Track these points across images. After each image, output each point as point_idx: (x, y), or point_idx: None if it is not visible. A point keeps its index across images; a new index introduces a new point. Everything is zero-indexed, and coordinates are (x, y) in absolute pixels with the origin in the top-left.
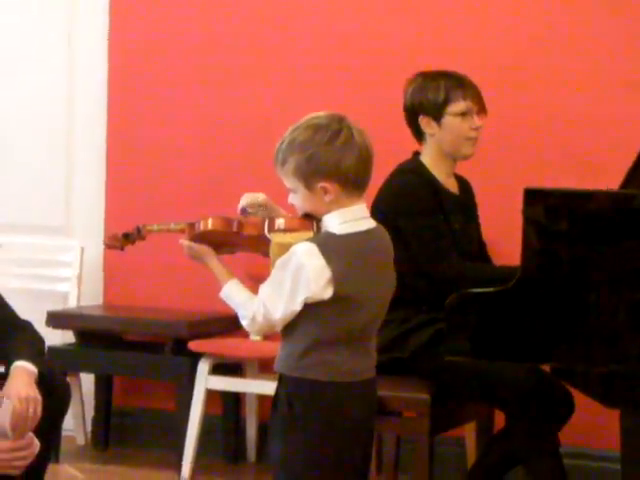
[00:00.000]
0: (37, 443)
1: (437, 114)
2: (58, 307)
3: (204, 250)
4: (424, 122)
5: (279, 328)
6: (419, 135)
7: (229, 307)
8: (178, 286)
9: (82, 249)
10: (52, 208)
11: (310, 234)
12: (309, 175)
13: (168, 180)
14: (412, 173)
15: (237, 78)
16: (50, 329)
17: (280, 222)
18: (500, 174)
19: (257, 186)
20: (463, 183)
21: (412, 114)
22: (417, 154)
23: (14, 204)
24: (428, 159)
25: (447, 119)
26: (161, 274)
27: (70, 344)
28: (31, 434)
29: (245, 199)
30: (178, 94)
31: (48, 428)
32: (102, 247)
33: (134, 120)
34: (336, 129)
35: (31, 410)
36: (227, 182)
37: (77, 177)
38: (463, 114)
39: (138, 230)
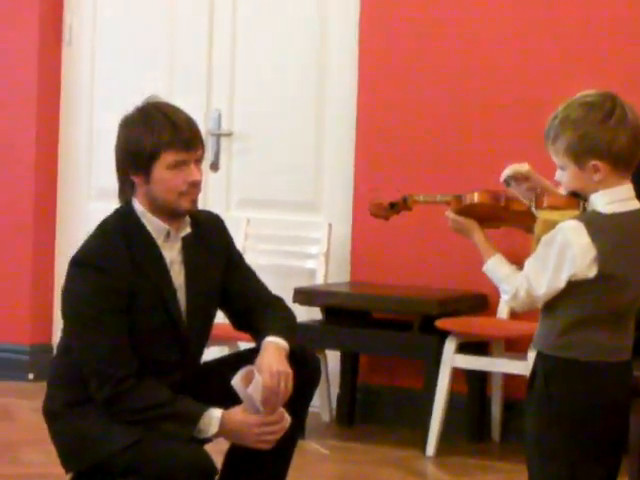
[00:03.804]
0: (288, 418)
1: None
2: (305, 284)
3: (470, 224)
4: None
5: (540, 304)
6: None
7: (478, 285)
8: (426, 263)
9: (330, 226)
10: (301, 185)
11: (576, 212)
12: (581, 153)
13: (419, 156)
14: None
15: (496, 52)
16: (297, 306)
17: (547, 199)
18: None
19: (516, 160)
20: None
21: None
22: None
23: (264, 181)
24: None
25: None
26: (409, 251)
27: (316, 321)
28: (282, 409)
29: (509, 170)
30: (431, 67)
31: (299, 403)
32: (350, 224)
33: (385, 96)
34: (609, 108)
35: (282, 384)
36: (475, 158)
37: (327, 154)
38: None
39: (404, 200)
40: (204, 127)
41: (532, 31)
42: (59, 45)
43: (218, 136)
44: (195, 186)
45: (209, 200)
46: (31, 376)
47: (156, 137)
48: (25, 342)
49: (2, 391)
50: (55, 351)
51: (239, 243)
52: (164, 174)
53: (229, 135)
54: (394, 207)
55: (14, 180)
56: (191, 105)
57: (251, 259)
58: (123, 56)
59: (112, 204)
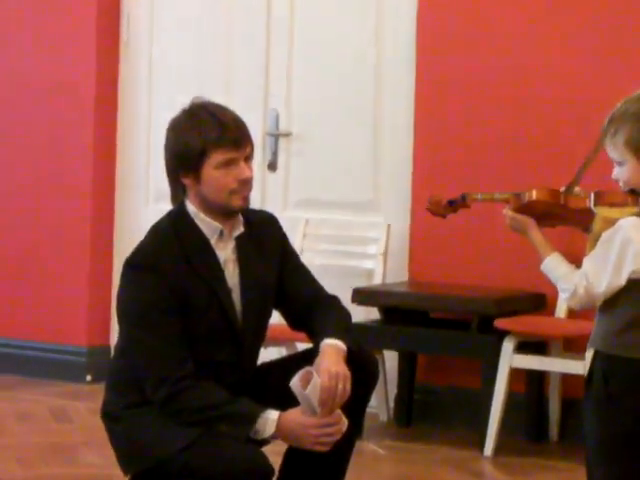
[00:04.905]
0: (345, 421)
1: None
2: (363, 284)
3: (527, 221)
4: None
5: (599, 302)
6: None
7: (536, 284)
8: (484, 263)
9: (388, 226)
10: (359, 185)
11: (635, 209)
12: None
13: (477, 154)
14: None
15: (555, 53)
16: (355, 306)
17: (606, 196)
18: None
19: (568, 163)
20: None
21: None
22: None
23: (322, 181)
24: None
25: None
26: (467, 251)
27: (375, 321)
28: (339, 411)
29: None
30: (490, 63)
31: (357, 404)
32: (408, 224)
33: (442, 94)
34: None
35: (340, 386)
36: (534, 155)
37: (384, 154)
38: None
39: (463, 198)
40: (262, 127)
41: (592, 34)
42: (117, 45)
43: (276, 136)
44: (246, 183)
45: (267, 200)
46: (89, 378)
47: (203, 137)
48: (83, 344)
49: (60, 393)
50: (112, 353)
51: (297, 243)
52: (214, 173)
53: (287, 135)
54: (452, 205)
55: (72, 182)
56: (249, 106)
57: (309, 259)
58: (181, 57)
59: (170, 206)
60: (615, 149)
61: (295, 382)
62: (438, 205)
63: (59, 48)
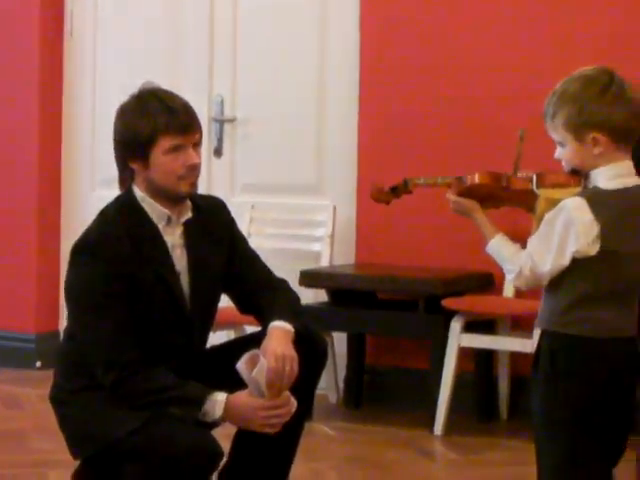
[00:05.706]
0: (294, 402)
1: None
2: (311, 266)
3: (471, 204)
4: None
5: (545, 282)
6: None
7: (483, 264)
8: (431, 243)
9: (334, 208)
10: (305, 168)
11: (577, 190)
12: (580, 126)
13: (421, 138)
14: None
15: (497, 37)
16: (303, 288)
17: (548, 178)
18: None
19: (510, 147)
20: None
21: None
22: None
23: (267, 165)
24: None
25: None
26: (413, 231)
27: (323, 303)
28: (287, 393)
29: None
30: (433, 49)
31: (306, 385)
32: (355, 206)
33: (387, 78)
34: (606, 82)
35: (287, 368)
36: (477, 140)
37: (330, 137)
38: None
39: (405, 183)
40: (207, 113)
41: (533, 20)
42: (60, 35)
43: (221, 122)
44: (194, 170)
45: (213, 186)
46: (38, 364)
47: (152, 122)
48: (31, 330)
49: (10, 379)
50: (62, 337)
51: (244, 228)
52: (162, 159)
53: (232, 121)
54: (395, 191)
55: (18, 171)
56: (194, 91)
57: (256, 243)
58: (125, 45)
59: (116, 192)
60: (555, 131)
61: (241, 364)
62: (380, 192)
63: (2, 40)
